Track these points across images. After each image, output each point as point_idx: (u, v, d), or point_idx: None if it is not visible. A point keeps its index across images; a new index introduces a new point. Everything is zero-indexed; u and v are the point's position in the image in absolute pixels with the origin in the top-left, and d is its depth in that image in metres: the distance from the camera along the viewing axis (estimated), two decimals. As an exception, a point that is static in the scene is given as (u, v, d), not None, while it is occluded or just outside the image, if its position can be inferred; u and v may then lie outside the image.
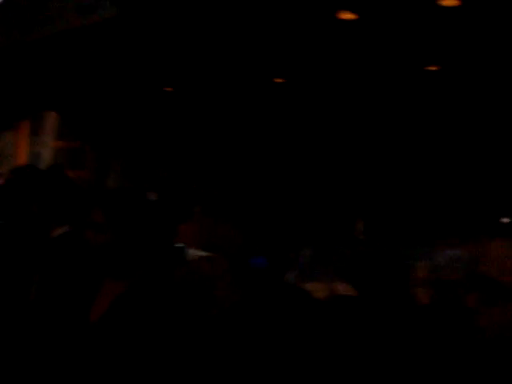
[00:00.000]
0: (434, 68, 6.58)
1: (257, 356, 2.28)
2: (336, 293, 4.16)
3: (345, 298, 3.65)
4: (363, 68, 6.54)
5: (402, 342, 2.36)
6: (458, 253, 2.63)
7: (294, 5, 5.10)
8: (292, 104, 8.43)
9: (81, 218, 2.83)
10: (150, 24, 5.89)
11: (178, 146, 10.27)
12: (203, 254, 2.79)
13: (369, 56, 6.14)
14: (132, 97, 9.51)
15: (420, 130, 7.67)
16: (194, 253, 2.96)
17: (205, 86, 8.42)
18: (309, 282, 4.65)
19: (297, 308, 2.69)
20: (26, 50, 7.45)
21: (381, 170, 8.20)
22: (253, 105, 8.88)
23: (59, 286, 2.65)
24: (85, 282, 2.33)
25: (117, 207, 2.23)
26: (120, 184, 10.47)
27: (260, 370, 2.15)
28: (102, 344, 2.06)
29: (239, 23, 5.71)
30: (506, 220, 6.88)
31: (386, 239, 6.80)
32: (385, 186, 8.14)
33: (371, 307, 2.89)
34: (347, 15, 5.20)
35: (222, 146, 9.72)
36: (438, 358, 1.94)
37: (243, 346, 2.33)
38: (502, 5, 4.64)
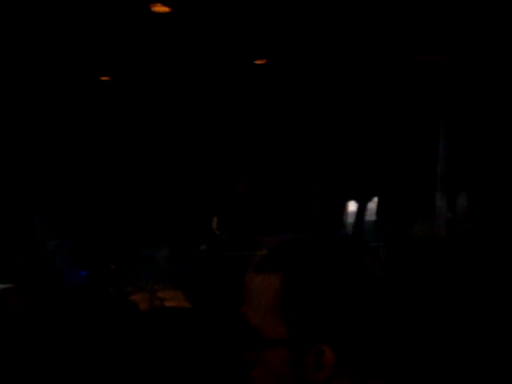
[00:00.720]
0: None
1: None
2: (159, 303, 3.96)
3: (162, 310, 3.48)
4: (177, 62, 6.41)
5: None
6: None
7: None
8: (122, 103, 8.08)
9: None
10: None
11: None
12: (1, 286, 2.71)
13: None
14: None
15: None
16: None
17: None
18: (138, 291, 4.39)
19: (116, 323, 2.55)
20: None
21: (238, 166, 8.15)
22: (86, 105, 8.44)
23: None
24: None
25: None
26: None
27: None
28: None
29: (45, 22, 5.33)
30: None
31: (242, 233, 6.72)
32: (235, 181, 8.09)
33: (185, 320, 2.72)
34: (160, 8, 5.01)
35: (50, 147, 9.17)
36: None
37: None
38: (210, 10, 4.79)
